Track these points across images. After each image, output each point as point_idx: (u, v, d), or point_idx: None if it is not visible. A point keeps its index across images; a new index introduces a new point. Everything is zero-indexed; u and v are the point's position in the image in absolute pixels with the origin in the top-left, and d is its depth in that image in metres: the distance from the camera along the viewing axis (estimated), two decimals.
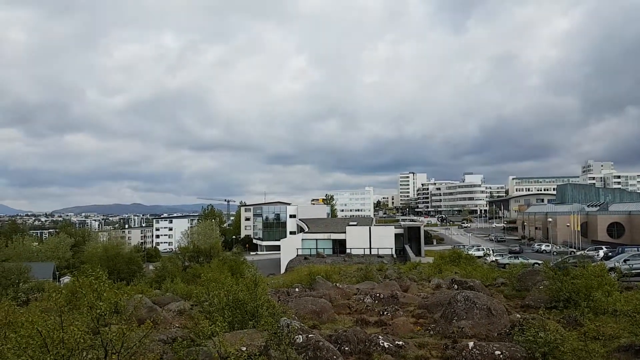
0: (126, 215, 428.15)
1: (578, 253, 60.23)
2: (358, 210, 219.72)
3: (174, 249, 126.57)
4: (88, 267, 31.27)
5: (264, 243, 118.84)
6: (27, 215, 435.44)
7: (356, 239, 72.42)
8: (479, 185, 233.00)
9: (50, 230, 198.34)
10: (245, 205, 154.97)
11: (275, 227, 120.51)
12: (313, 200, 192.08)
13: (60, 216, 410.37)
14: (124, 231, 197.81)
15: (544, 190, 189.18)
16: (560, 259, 24.58)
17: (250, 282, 14.06)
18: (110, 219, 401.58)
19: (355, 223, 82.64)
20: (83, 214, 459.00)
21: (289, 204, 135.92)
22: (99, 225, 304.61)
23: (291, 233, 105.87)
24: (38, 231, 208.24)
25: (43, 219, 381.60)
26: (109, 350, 7.06)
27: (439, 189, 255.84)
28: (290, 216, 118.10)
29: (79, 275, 13.56)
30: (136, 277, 58.60)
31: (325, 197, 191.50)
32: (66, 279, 61.61)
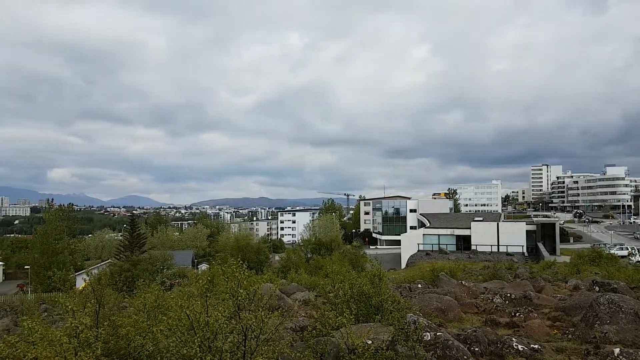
0: (254, 208, 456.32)
1: None
2: (484, 205, 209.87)
3: (297, 241, 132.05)
4: (226, 257, 33.97)
5: (384, 237, 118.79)
6: (169, 207, 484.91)
7: (482, 236, 69.22)
8: (623, 178, 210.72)
9: (189, 222, 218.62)
10: (365, 200, 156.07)
11: (395, 222, 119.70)
12: (434, 194, 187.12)
13: (197, 209, 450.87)
14: (252, 223, 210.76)
15: None
16: None
17: (375, 276, 14.13)
18: (240, 211, 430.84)
19: (481, 218, 78.88)
20: (217, 207, 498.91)
21: (409, 198, 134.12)
22: (230, 217, 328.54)
23: (411, 228, 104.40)
24: (178, 222, 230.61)
25: (183, 211, 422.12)
26: (248, 335, 7.59)
27: (576, 182, 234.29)
28: (411, 210, 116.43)
29: (222, 264, 14.70)
30: (264, 267, 62.42)
31: (447, 192, 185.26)
32: (203, 266, 67.53)
